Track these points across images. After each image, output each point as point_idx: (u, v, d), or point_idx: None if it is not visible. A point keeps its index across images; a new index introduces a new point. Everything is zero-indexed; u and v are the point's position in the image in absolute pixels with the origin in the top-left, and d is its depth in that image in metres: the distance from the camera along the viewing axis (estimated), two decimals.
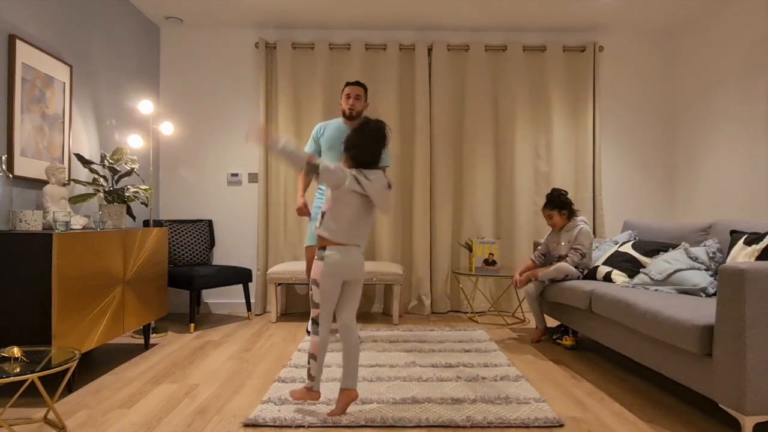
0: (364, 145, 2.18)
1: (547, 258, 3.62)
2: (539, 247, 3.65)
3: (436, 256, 4.52)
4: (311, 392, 2.21)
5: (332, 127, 3.45)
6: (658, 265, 2.82)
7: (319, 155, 3.47)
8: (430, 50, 4.57)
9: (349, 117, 3.41)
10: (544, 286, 3.48)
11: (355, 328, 2.23)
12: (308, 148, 3.51)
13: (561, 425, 2.06)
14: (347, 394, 2.15)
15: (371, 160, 2.19)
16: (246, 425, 2.06)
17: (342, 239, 2.15)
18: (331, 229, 2.15)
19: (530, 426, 2.05)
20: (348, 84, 3.44)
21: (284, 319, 4.25)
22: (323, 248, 2.17)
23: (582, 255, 3.30)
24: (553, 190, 3.50)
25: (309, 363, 2.19)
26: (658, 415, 2.20)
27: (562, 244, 3.43)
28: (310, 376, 2.20)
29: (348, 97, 3.40)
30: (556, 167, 4.58)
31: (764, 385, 1.80)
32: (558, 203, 3.45)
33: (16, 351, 1.98)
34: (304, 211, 3.44)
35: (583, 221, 3.41)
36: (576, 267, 3.29)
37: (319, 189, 3.50)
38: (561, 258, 3.42)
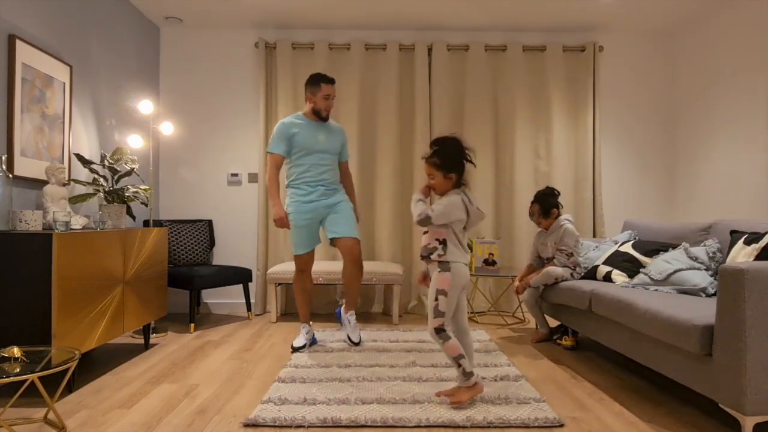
0: (463, 163, 2.28)
1: (539, 260, 3.63)
2: (531, 250, 3.65)
3: None
4: (477, 386, 2.26)
5: (304, 129, 3.19)
6: (658, 265, 2.82)
7: (288, 155, 3.22)
8: (430, 50, 4.57)
9: (323, 118, 3.22)
10: (540, 291, 3.48)
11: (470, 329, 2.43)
12: (275, 148, 3.17)
13: (561, 425, 2.06)
14: (477, 388, 2.27)
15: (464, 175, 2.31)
16: (246, 425, 2.06)
17: (464, 258, 2.30)
18: (455, 254, 2.26)
19: (530, 426, 2.05)
20: (326, 81, 3.16)
21: (284, 319, 4.26)
22: (446, 262, 2.26)
23: (568, 255, 3.30)
24: (547, 189, 3.47)
25: (460, 365, 2.24)
26: (658, 415, 2.20)
27: (549, 246, 3.42)
28: (466, 374, 2.24)
29: (326, 97, 3.17)
30: (556, 167, 4.58)
31: (764, 385, 1.80)
32: (541, 202, 3.44)
33: (16, 351, 1.98)
34: (285, 223, 3.16)
35: (567, 220, 3.39)
36: (565, 267, 3.30)
37: (292, 187, 3.23)
38: (549, 260, 3.44)
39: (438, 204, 2.26)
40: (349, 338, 3.29)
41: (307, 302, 3.32)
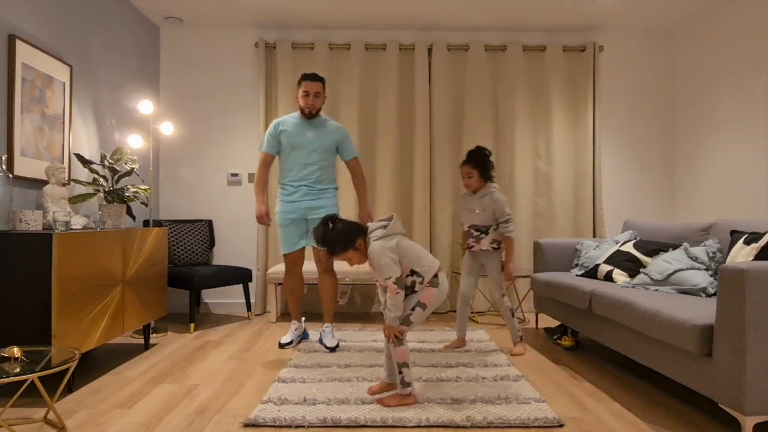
0: (354, 231, 2.26)
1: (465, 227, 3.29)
2: (462, 221, 3.29)
3: (435, 256, 4.50)
4: (410, 397, 2.24)
5: (292, 126, 3.21)
6: (658, 265, 2.82)
7: (276, 154, 3.26)
8: (430, 50, 4.57)
9: (308, 116, 3.19)
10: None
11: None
12: (263, 146, 3.26)
13: (561, 425, 2.06)
14: (410, 399, 2.25)
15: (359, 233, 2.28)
16: (246, 425, 2.06)
17: (435, 264, 2.28)
18: (429, 268, 2.25)
19: (530, 426, 2.05)
20: (305, 78, 3.14)
21: (284, 319, 4.25)
22: (432, 279, 2.26)
23: (511, 221, 3.09)
24: (478, 147, 3.14)
25: (401, 372, 2.23)
26: (658, 415, 2.20)
27: (477, 211, 3.12)
28: (405, 383, 2.23)
29: (306, 94, 3.14)
30: (556, 167, 4.58)
31: (764, 385, 1.80)
32: (482, 163, 3.09)
33: (16, 351, 1.98)
34: (265, 219, 3.22)
35: (495, 188, 3.13)
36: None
37: (280, 186, 3.26)
38: (478, 228, 3.13)
39: (379, 268, 2.19)
40: (324, 345, 3.19)
41: (297, 301, 3.33)
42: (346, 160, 3.31)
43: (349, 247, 2.24)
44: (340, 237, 2.23)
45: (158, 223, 4.29)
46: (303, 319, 3.39)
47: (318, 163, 3.21)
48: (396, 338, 2.23)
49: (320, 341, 3.26)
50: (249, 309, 4.28)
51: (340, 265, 4.08)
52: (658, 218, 4.75)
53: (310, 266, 4.06)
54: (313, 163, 3.20)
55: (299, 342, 3.33)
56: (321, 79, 3.18)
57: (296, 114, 3.27)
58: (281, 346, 3.24)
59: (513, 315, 3.18)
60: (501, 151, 4.62)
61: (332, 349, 3.15)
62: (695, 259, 2.73)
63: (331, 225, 2.25)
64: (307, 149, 3.19)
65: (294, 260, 3.26)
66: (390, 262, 2.18)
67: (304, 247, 3.28)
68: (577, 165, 4.61)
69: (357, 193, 3.33)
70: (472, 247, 3.19)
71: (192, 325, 3.77)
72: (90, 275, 2.58)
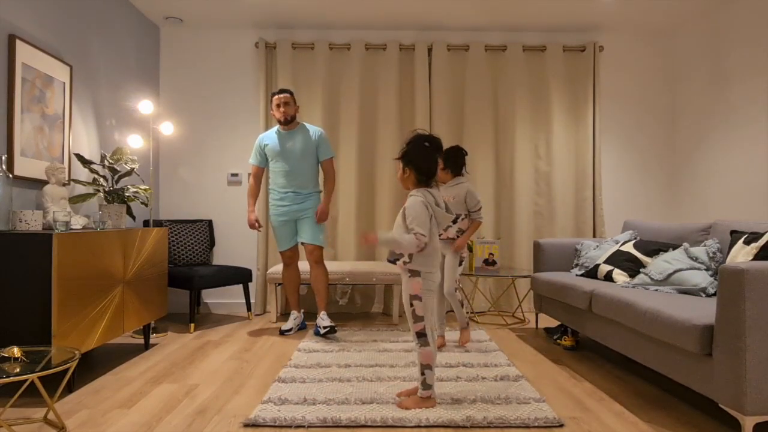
0: (425, 161, 2.27)
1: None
2: None
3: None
4: (430, 400, 2.23)
5: (272, 137, 3.59)
6: (658, 265, 2.82)
7: (265, 165, 3.65)
8: (430, 50, 4.57)
9: (284, 123, 3.53)
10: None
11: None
12: (251, 159, 3.66)
13: (561, 425, 2.06)
14: (430, 402, 2.23)
15: (435, 172, 2.30)
16: (246, 425, 2.06)
17: (430, 265, 2.24)
18: (420, 261, 2.22)
19: (530, 426, 2.05)
20: (273, 95, 3.54)
21: (284, 319, 4.25)
22: (414, 270, 2.22)
23: (482, 209, 3.22)
24: (458, 147, 3.23)
25: (424, 374, 2.21)
26: (659, 416, 2.20)
27: (449, 200, 3.18)
28: (426, 385, 2.21)
29: (278, 106, 3.51)
30: (556, 167, 4.58)
31: (764, 385, 1.80)
32: (455, 165, 3.19)
33: (16, 351, 1.98)
34: (255, 226, 3.60)
35: (465, 180, 3.24)
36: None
37: (270, 191, 3.65)
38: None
39: (409, 216, 2.18)
40: (321, 328, 3.45)
41: (295, 291, 3.70)
42: (321, 160, 3.63)
43: (407, 163, 2.27)
44: (414, 152, 2.27)
45: (158, 223, 4.29)
46: (302, 310, 3.80)
47: (299, 169, 3.55)
48: (420, 337, 2.21)
49: (316, 332, 3.55)
50: (249, 309, 4.28)
51: (339, 265, 4.09)
52: (658, 218, 4.75)
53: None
54: (295, 170, 3.55)
55: (298, 330, 3.72)
56: (287, 91, 3.54)
57: (276, 128, 3.63)
58: (281, 332, 3.62)
59: (462, 306, 3.22)
60: (501, 151, 4.62)
61: (331, 328, 3.43)
62: (695, 259, 2.74)
63: (426, 144, 2.29)
64: (288, 158, 3.55)
65: (289, 256, 3.68)
66: (420, 217, 2.16)
67: (296, 244, 3.68)
68: (577, 165, 4.61)
69: (325, 189, 3.62)
70: (440, 234, 3.13)
71: (192, 325, 3.77)
72: (90, 275, 2.58)
